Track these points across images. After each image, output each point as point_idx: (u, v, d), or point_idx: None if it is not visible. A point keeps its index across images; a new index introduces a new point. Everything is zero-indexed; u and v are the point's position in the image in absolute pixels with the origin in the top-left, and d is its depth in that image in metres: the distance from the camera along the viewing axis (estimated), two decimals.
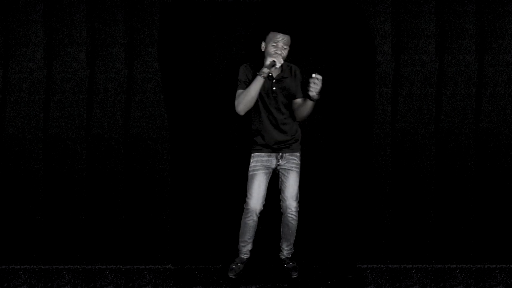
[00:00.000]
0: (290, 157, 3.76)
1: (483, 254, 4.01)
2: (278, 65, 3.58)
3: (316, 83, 3.49)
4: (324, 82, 3.55)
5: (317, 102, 3.62)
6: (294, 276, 3.81)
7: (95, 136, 4.10)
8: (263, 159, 3.74)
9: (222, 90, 4.23)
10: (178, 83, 4.26)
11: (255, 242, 3.89)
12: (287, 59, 3.72)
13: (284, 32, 3.63)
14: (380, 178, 4.11)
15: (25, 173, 4.05)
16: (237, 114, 3.68)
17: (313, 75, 3.49)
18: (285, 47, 3.63)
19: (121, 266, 3.98)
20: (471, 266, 3.93)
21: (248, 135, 3.84)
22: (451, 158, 4.08)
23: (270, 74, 3.68)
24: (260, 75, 3.57)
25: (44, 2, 4.04)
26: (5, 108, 4.06)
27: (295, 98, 3.74)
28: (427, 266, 3.94)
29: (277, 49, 3.60)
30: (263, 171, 3.73)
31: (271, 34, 3.63)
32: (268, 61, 3.57)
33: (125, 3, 4.09)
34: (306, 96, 3.61)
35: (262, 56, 3.71)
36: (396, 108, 4.11)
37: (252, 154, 3.77)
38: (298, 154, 3.80)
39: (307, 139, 4.32)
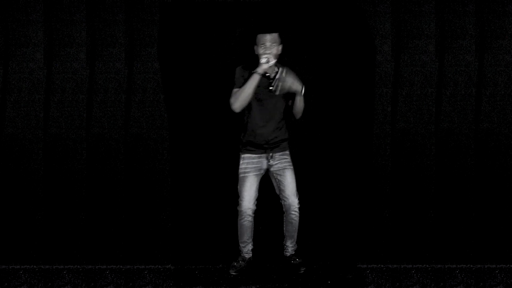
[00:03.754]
0: (281, 156, 3.77)
1: (483, 254, 4.01)
2: (272, 62, 3.58)
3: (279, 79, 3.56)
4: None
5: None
6: (302, 271, 3.84)
7: (95, 136, 4.10)
8: (254, 160, 3.74)
9: (222, 90, 4.22)
10: (178, 83, 4.27)
11: (255, 242, 3.89)
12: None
13: (269, 32, 3.63)
14: (380, 178, 4.11)
15: (25, 173, 4.05)
16: (237, 114, 3.68)
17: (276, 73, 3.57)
18: (273, 44, 3.62)
19: (121, 266, 3.98)
20: (471, 266, 3.93)
21: (238, 135, 3.82)
22: (451, 158, 4.08)
23: (268, 74, 3.68)
24: (256, 73, 3.58)
25: (44, 2, 4.04)
26: (5, 108, 4.06)
27: (288, 100, 3.74)
28: (427, 266, 3.94)
29: (265, 49, 3.61)
30: (254, 173, 3.73)
31: (258, 37, 3.65)
32: (263, 60, 3.58)
33: (125, 3, 4.09)
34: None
35: (257, 58, 3.71)
36: (396, 108, 4.11)
37: (242, 156, 3.77)
38: (287, 152, 3.82)
39: (307, 139, 4.33)
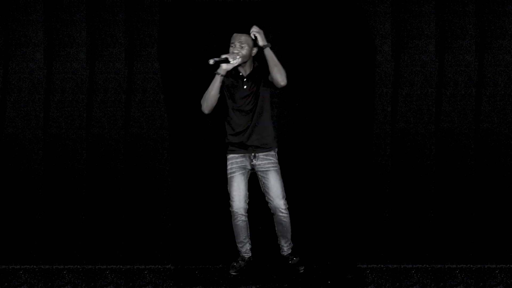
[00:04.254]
0: (265, 157, 3.71)
1: (483, 254, 4.01)
2: (232, 61, 3.54)
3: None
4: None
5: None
6: (301, 271, 3.82)
7: (95, 136, 4.10)
8: (238, 160, 3.73)
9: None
10: (178, 83, 4.27)
11: (254, 242, 3.89)
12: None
13: (238, 31, 3.62)
14: (380, 178, 4.11)
15: (25, 173, 4.05)
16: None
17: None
18: (243, 45, 3.59)
19: (121, 266, 3.98)
20: (471, 266, 3.92)
21: (223, 137, 3.81)
22: (451, 158, 4.08)
23: (241, 75, 3.66)
24: (216, 73, 3.58)
25: (44, 2, 4.04)
26: (5, 108, 4.06)
27: (269, 81, 3.63)
28: (427, 266, 3.94)
29: (234, 48, 3.60)
30: (240, 172, 3.72)
31: (232, 36, 3.63)
32: (222, 57, 3.55)
33: (125, 3, 4.09)
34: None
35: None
36: (396, 108, 4.11)
37: (227, 157, 3.76)
38: (273, 152, 3.73)
39: (307, 139, 4.33)
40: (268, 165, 3.71)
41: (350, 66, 4.22)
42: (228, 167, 3.74)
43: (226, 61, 3.55)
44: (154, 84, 4.14)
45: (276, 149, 3.77)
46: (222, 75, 3.59)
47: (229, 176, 3.73)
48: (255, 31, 3.55)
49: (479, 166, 4.07)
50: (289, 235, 3.83)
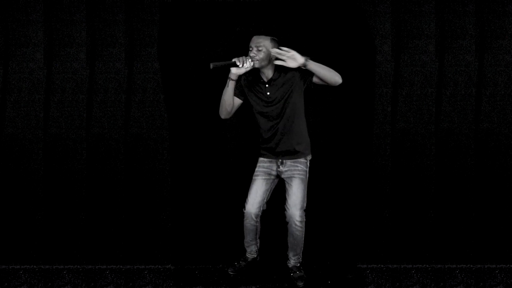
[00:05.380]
0: (293, 163, 3.63)
1: (483, 254, 4.01)
2: (241, 65, 3.44)
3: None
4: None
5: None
6: (300, 285, 3.70)
7: (95, 136, 4.10)
8: (265, 164, 3.70)
9: (222, 90, 4.23)
10: (178, 83, 4.27)
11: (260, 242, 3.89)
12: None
13: (263, 34, 3.56)
14: (380, 178, 4.11)
15: (25, 173, 4.05)
16: (237, 114, 3.68)
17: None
18: (260, 48, 3.49)
19: (121, 266, 3.98)
20: (471, 266, 3.93)
21: (223, 137, 3.79)
22: (451, 158, 4.08)
23: (262, 80, 3.60)
24: (229, 78, 3.51)
25: (44, 2, 4.04)
26: (5, 108, 4.06)
27: (317, 82, 3.54)
28: (427, 266, 3.94)
29: (251, 52, 3.53)
30: (263, 177, 3.68)
31: (252, 38, 3.57)
32: (237, 62, 3.46)
33: (125, 3, 4.09)
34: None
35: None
36: (396, 108, 4.11)
37: (258, 159, 3.74)
38: (302, 160, 3.64)
39: None
40: (294, 171, 3.62)
41: (350, 66, 4.22)
42: (256, 168, 3.71)
43: (234, 65, 3.45)
44: (154, 84, 4.14)
45: (309, 157, 3.70)
46: (233, 80, 3.51)
47: (253, 178, 3.70)
48: (288, 55, 3.38)
49: (479, 166, 4.07)
50: (299, 250, 3.72)
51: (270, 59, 3.54)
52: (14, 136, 4.06)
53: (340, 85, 4.25)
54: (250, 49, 3.53)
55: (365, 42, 4.15)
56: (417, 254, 4.03)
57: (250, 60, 3.49)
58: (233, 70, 3.48)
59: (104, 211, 4.09)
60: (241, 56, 3.52)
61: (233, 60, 3.46)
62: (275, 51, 3.43)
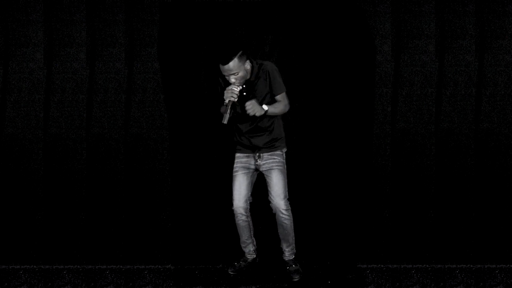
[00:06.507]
0: (270, 156, 3.69)
1: (483, 254, 4.01)
2: (234, 99, 3.49)
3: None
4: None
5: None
6: (295, 279, 3.75)
7: (95, 136, 4.10)
8: (242, 160, 3.73)
9: (222, 90, 4.23)
10: (178, 83, 4.26)
11: (256, 242, 3.89)
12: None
13: (222, 63, 3.47)
14: (380, 178, 4.11)
15: (25, 173, 4.05)
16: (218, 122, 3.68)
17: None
18: (233, 73, 3.48)
19: (121, 266, 3.98)
20: (471, 266, 3.92)
21: (223, 137, 3.80)
22: (451, 158, 4.08)
23: (243, 87, 3.59)
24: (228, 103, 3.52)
25: (44, 2, 4.04)
26: (5, 108, 4.06)
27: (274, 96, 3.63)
28: (427, 266, 3.94)
29: (230, 79, 3.50)
30: (242, 172, 3.72)
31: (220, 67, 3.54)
32: (226, 99, 3.50)
33: (125, 3, 4.09)
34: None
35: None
36: (396, 108, 4.11)
37: (235, 155, 3.77)
38: (279, 152, 3.71)
39: (307, 139, 4.32)
40: (272, 163, 3.69)
41: (350, 66, 4.22)
42: (234, 165, 3.75)
43: (233, 105, 3.51)
44: (154, 84, 4.14)
45: (285, 149, 3.75)
46: (228, 115, 3.53)
47: (233, 175, 3.74)
48: (249, 111, 3.48)
49: (479, 166, 4.07)
50: (291, 239, 3.77)
51: (246, 71, 3.55)
52: (14, 136, 4.06)
53: (340, 85, 4.26)
54: (227, 77, 3.52)
55: (365, 42, 4.15)
56: (417, 254, 4.03)
57: (236, 87, 3.51)
58: (232, 99, 3.50)
59: (104, 211, 4.09)
60: (227, 90, 3.50)
61: (228, 100, 3.50)
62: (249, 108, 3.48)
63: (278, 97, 3.62)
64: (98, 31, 4.09)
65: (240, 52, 3.49)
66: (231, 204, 3.71)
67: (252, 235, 3.83)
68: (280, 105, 3.62)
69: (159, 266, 3.98)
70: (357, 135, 4.26)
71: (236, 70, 3.48)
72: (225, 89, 3.55)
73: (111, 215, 4.09)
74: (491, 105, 4.07)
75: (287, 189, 3.69)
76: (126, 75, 4.11)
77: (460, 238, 4.06)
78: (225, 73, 3.50)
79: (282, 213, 3.66)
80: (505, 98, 4.06)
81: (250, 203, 3.74)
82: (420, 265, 3.94)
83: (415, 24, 4.07)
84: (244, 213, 3.70)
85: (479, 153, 4.07)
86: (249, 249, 3.86)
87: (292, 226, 3.72)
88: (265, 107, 3.54)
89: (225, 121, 3.49)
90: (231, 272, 3.84)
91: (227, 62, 3.45)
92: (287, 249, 3.82)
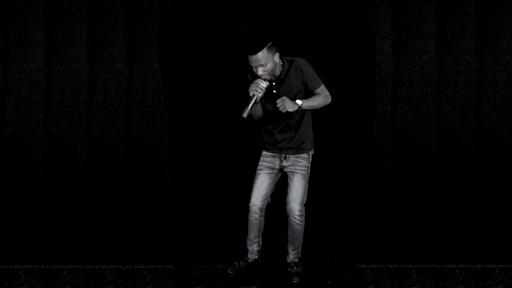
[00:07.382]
0: (296, 159, 3.65)
1: (483, 254, 4.01)
2: (260, 94, 3.40)
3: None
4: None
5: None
6: (295, 281, 3.72)
7: (95, 136, 4.10)
8: (268, 158, 3.71)
9: (222, 90, 4.23)
10: (178, 83, 4.27)
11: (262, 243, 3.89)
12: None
13: (251, 53, 3.37)
14: (380, 178, 4.11)
15: (25, 173, 4.05)
16: (237, 114, 3.68)
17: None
18: (262, 64, 3.38)
19: (121, 266, 3.98)
20: (471, 266, 3.92)
21: (259, 133, 3.78)
22: (451, 158, 4.08)
23: (271, 84, 3.54)
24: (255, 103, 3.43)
25: (44, 2, 4.04)
26: (5, 108, 4.06)
27: (313, 91, 3.53)
28: (427, 266, 3.94)
29: (258, 71, 3.41)
30: (266, 171, 3.70)
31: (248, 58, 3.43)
32: (251, 93, 3.41)
33: (125, 3, 4.09)
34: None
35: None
36: (396, 108, 4.11)
37: (262, 152, 3.76)
38: (305, 155, 3.67)
39: None
40: (296, 167, 3.65)
41: (350, 66, 4.22)
42: (259, 162, 3.73)
43: (255, 101, 3.40)
44: (154, 84, 4.14)
45: (311, 152, 3.71)
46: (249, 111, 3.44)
47: (257, 171, 3.72)
48: (280, 108, 3.38)
49: (479, 166, 4.07)
50: (298, 244, 3.76)
51: (275, 64, 3.46)
52: (14, 136, 4.06)
53: (340, 85, 4.27)
54: (254, 69, 3.43)
55: (365, 42, 4.15)
56: (417, 254, 4.03)
57: (262, 82, 3.42)
58: (258, 98, 3.42)
59: (104, 211, 4.09)
60: (253, 84, 3.42)
61: (252, 94, 3.40)
62: (281, 105, 3.39)
63: (317, 91, 3.53)
64: (98, 31, 4.09)
65: (270, 43, 3.40)
66: (242, 206, 3.71)
67: (260, 234, 3.81)
68: (320, 98, 3.52)
69: (159, 266, 3.98)
70: (357, 135, 4.26)
71: (265, 61, 3.39)
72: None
73: (111, 215, 4.10)
74: (491, 105, 4.07)
75: (306, 195, 3.64)
76: (126, 75, 4.12)
77: (460, 238, 4.06)
78: (253, 64, 3.40)
79: (295, 218, 3.63)
80: (505, 98, 4.06)
81: (268, 203, 3.72)
82: (420, 265, 3.94)
83: (415, 24, 4.07)
84: (258, 212, 3.69)
85: (479, 153, 4.07)
86: (253, 248, 3.85)
87: (302, 232, 3.70)
88: (298, 101, 3.43)
89: (244, 115, 3.38)
90: (231, 271, 3.84)
91: (256, 52, 3.36)
92: (292, 252, 3.81)
